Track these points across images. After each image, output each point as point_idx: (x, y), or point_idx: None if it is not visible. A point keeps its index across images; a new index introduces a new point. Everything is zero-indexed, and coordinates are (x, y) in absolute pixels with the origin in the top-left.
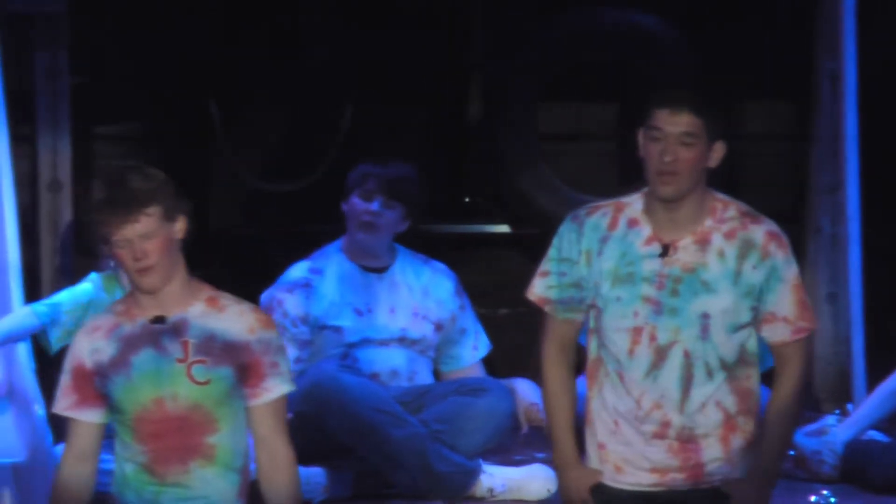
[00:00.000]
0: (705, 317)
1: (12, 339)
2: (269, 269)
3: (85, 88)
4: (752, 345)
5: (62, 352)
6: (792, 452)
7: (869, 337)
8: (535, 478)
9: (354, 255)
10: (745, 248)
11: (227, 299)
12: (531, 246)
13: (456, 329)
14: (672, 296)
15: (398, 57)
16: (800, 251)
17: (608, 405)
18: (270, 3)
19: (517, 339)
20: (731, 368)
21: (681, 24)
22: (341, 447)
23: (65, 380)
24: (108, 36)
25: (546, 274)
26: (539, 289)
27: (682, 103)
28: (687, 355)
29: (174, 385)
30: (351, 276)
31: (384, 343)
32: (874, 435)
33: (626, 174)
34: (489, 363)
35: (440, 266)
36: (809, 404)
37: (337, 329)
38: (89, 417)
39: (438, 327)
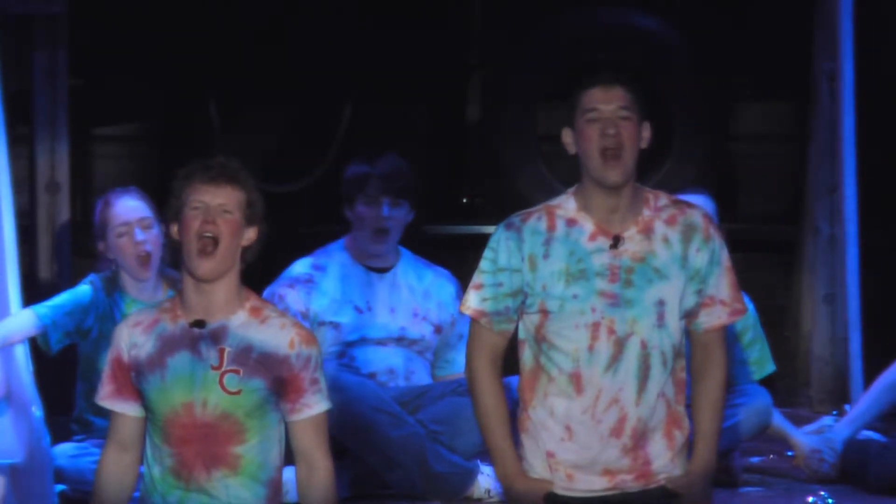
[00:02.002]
0: (661, 304)
1: (14, 340)
2: (268, 270)
3: (83, 90)
4: (684, 335)
5: (61, 354)
6: (790, 452)
7: (867, 338)
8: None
9: (358, 254)
10: (689, 232)
11: (271, 311)
12: None
13: (454, 333)
14: (626, 287)
15: (398, 57)
16: (798, 252)
17: (556, 412)
18: (270, 3)
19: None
20: (675, 358)
21: (680, 25)
22: (339, 447)
23: (106, 370)
24: (107, 37)
25: (480, 286)
26: (474, 302)
27: (611, 79)
28: (643, 346)
29: (206, 391)
30: (353, 275)
31: (382, 343)
32: (872, 436)
33: None
34: None
35: (443, 271)
36: (806, 405)
37: (335, 325)
38: (125, 409)
39: (438, 329)
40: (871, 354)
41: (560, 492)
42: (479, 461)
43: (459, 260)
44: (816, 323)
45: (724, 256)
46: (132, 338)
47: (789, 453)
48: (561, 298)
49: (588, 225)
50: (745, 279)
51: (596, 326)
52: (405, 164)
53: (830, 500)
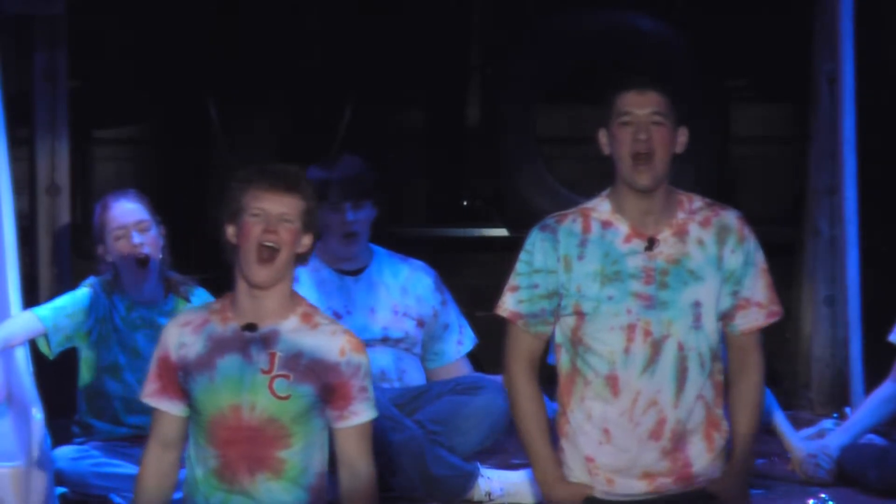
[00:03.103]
0: (697, 305)
1: (14, 342)
2: None
3: (83, 91)
4: (720, 338)
5: (61, 356)
6: (788, 455)
7: (867, 340)
8: (533, 481)
9: (329, 259)
10: (723, 233)
11: (321, 318)
12: None
13: (439, 325)
14: (661, 288)
15: (397, 58)
16: (798, 254)
17: (594, 416)
18: (271, 3)
19: None
20: (714, 360)
21: (680, 26)
22: None
23: (151, 367)
24: (107, 38)
25: (516, 288)
26: (510, 304)
27: (646, 83)
28: (681, 347)
29: (254, 395)
30: (327, 281)
31: (367, 344)
32: (873, 438)
33: None
34: (486, 366)
35: (418, 263)
36: (807, 407)
37: None
38: (169, 408)
39: (420, 323)
40: (871, 356)
41: (600, 496)
42: (478, 463)
43: (459, 262)
44: (817, 325)
45: (760, 258)
46: (181, 337)
47: (790, 456)
48: (596, 300)
49: (623, 227)
50: None
51: (631, 328)
52: (362, 164)
53: (831, 503)
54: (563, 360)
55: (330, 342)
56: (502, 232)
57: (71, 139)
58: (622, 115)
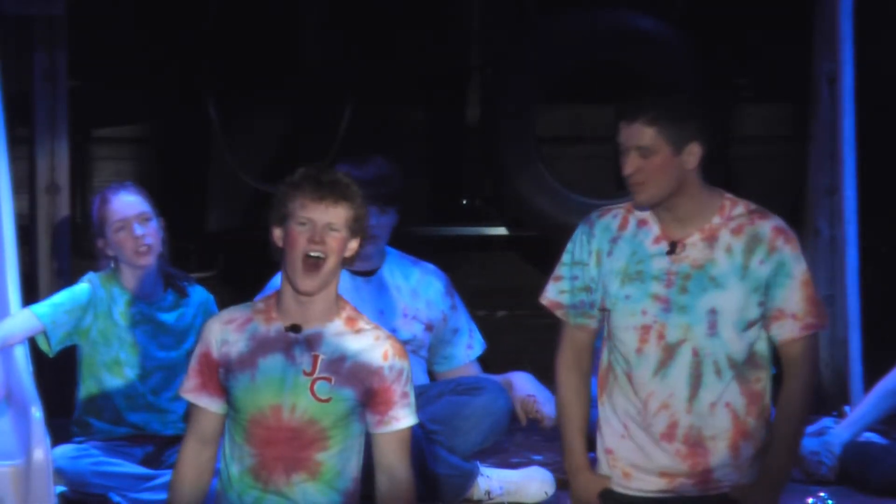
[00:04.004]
0: (713, 312)
1: (14, 341)
2: (268, 272)
3: (83, 91)
4: (762, 347)
5: (60, 355)
6: None
7: (866, 339)
8: (533, 480)
9: None
10: (752, 243)
11: (365, 323)
12: (529, 248)
13: (448, 329)
14: (681, 293)
15: (397, 58)
16: None
17: (617, 409)
18: (270, 3)
19: (515, 341)
20: (740, 368)
21: (680, 26)
22: None
23: (192, 363)
24: (107, 38)
25: (559, 279)
26: (552, 293)
27: (634, 115)
28: (695, 353)
29: (295, 396)
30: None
31: None
32: (872, 437)
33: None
34: (486, 365)
35: (430, 267)
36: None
37: None
38: (209, 405)
39: (429, 327)
40: (870, 356)
41: (616, 489)
42: (478, 462)
43: (458, 262)
44: None
45: (799, 269)
46: (224, 334)
47: None
48: (615, 297)
49: (655, 228)
50: None
51: (646, 329)
52: (391, 168)
53: (830, 502)
54: (603, 354)
55: (373, 347)
56: (502, 232)
57: (71, 139)
58: (618, 143)
